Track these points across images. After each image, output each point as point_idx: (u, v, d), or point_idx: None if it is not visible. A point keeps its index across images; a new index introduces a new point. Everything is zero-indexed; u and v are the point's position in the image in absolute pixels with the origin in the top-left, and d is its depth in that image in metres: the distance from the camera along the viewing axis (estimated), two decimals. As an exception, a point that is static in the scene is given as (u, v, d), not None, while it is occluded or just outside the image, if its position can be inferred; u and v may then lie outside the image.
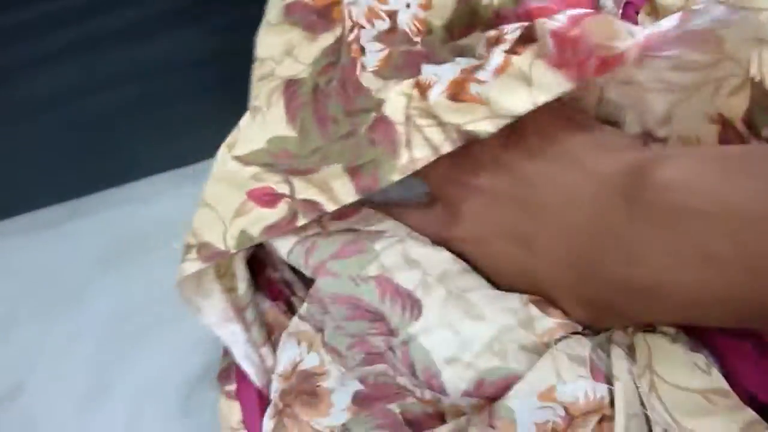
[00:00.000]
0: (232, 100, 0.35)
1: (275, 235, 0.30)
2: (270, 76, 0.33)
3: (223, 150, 0.32)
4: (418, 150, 0.29)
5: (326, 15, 0.34)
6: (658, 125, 0.29)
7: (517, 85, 0.28)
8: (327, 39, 0.33)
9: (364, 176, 0.30)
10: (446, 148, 0.29)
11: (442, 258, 0.30)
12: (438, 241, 0.31)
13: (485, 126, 0.28)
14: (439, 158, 0.29)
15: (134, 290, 0.41)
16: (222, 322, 0.32)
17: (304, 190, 0.31)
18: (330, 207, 0.30)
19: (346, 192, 0.30)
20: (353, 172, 0.30)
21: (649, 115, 0.29)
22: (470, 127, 0.28)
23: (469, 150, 0.29)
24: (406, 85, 0.30)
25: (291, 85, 0.33)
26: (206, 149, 0.34)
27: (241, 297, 0.33)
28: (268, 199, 0.31)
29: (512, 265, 0.29)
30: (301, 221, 0.30)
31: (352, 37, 0.32)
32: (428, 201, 0.32)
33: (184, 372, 0.38)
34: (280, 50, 0.33)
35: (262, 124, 0.32)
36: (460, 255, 0.30)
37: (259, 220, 0.30)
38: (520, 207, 0.29)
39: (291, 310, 0.34)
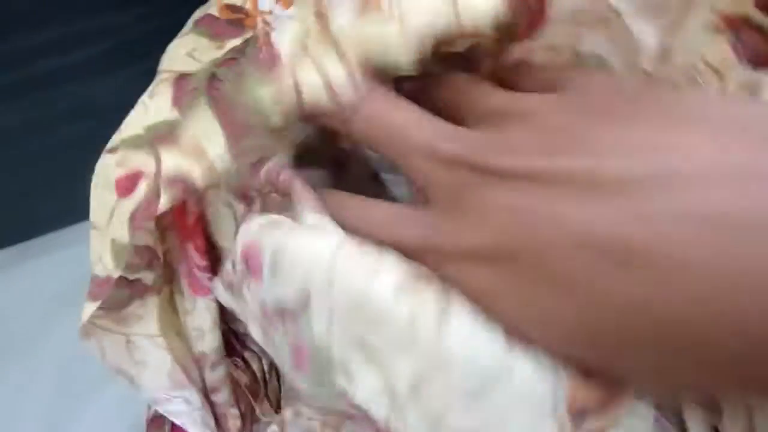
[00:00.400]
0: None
1: (140, 226, 0.24)
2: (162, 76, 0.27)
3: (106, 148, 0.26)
4: (306, 76, 0.22)
5: (236, 24, 0.28)
6: (656, 63, 0.22)
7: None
8: (234, 43, 0.27)
9: (236, 113, 0.23)
10: (341, 80, 0.22)
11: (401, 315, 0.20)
12: (421, 255, 0.21)
13: (396, 54, 0.21)
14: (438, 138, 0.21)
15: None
16: (170, 391, 0.27)
17: (172, 161, 0.23)
18: (199, 176, 0.23)
19: (218, 147, 0.23)
20: (224, 114, 0.23)
21: (643, 54, 0.22)
22: (377, 57, 0.22)
23: (487, 120, 0.20)
24: (306, 13, 0.23)
25: (182, 77, 0.26)
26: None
27: (212, 352, 0.27)
28: (130, 183, 0.24)
29: (574, 295, 0.18)
30: (163, 202, 0.23)
31: (261, 26, 0.27)
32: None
33: (140, 415, 0.35)
34: (182, 54, 0.27)
35: (143, 114, 0.25)
36: (451, 281, 0.21)
37: (122, 214, 0.24)
38: (618, 192, 0.17)
39: (247, 366, 0.30)
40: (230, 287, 0.26)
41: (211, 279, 0.27)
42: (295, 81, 0.22)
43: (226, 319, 0.29)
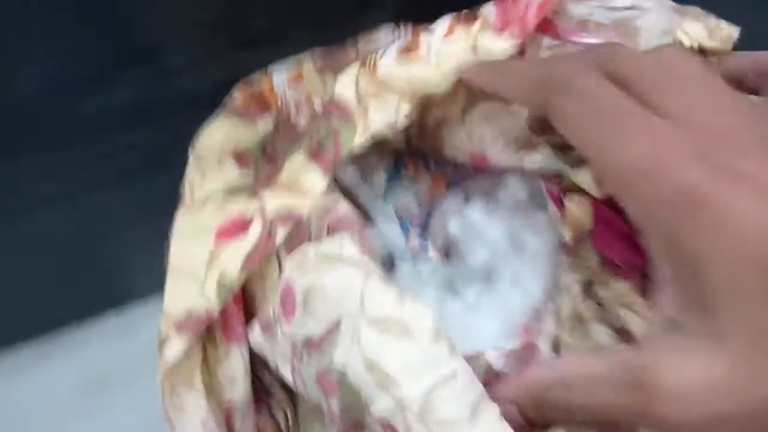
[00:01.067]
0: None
1: (255, 264, 0.27)
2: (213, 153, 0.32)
3: (179, 212, 0.30)
4: (376, 119, 0.28)
5: (260, 105, 0.33)
6: None
7: (462, 47, 0.28)
8: (266, 122, 0.33)
9: (326, 152, 0.28)
10: (402, 114, 0.28)
11: None
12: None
13: (436, 87, 0.28)
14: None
15: (116, 425, 0.39)
16: None
17: (274, 198, 0.28)
18: (304, 207, 0.28)
19: (313, 179, 0.28)
20: (314, 154, 0.28)
21: None
22: (421, 90, 0.28)
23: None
24: (353, 67, 0.30)
25: (239, 152, 0.31)
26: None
27: (240, 401, 0.29)
28: (239, 225, 0.28)
29: None
30: (280, 236, 0.27)
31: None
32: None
33: None
34: (218, 138, 0.32)
35: (216, 174, 0.30)
36: None
37: (234, 254, 0.27)
38: None
39: (271, 416, 0.31)
40: (267, 330, 0.28)
41: (244, 326, 0.29)
42: (370, 125, 0.28)
43: (253, 368, 0.30)
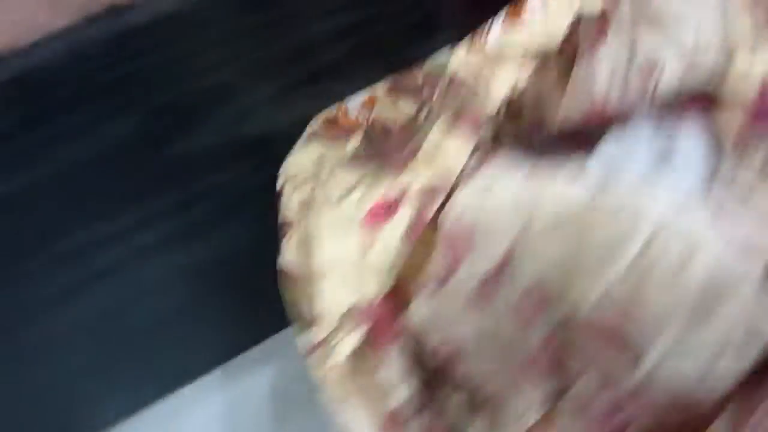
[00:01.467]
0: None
1: (412, 244, 0.27)
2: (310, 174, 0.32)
3: (313, 214, 0.29)
4: (500, 86, 0.29)
5: (342, 128, 0.34)
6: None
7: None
8: (354, 140, 0.33)
9: (465, 117, 0.28)
10: (524, 74, 0.29)
11: None
12: None
13: (547, 44, 0.29)
14: None
15: None
16: None
17: (418, 175, 0.28)
18: (447, 182, 0.27)
19: (455, 149, 0.28)
20: (454, 120, 0.29)
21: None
22: (535, 47, 0.29)
23: None
24: (461, 47, 0.30)
25: (347, 157, 0.32)
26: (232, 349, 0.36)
27: (403, 405, 0.27)
28: (387, 209, 0.28)
29: None
30: (429, 213, 0.27)
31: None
32: None
33: None
34: (311, 162, 0.32)
35: (338, 176, 0.30)
36: None
37: (389, 237, 0.27)
38: None
39: (441, 417, 0.29)
40: (433, 295, 0.27)
41: (397, 324, 0.28)
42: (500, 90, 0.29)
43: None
